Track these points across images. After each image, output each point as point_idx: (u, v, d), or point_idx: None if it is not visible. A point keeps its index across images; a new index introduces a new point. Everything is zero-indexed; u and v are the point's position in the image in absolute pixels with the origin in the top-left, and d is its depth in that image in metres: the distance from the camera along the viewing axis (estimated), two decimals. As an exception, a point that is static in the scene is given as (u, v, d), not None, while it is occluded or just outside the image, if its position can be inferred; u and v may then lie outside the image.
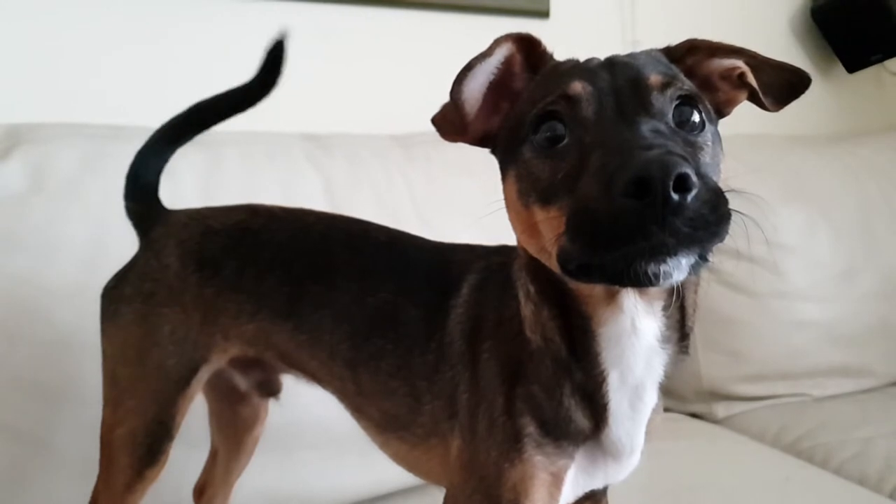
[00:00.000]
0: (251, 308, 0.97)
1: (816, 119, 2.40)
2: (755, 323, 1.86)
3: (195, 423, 1.08)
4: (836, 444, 1.61)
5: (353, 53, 1.82)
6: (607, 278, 0.61)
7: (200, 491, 1.22)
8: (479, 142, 0.77)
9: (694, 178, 0.53)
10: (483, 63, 0.71)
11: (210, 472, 1.22)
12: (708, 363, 1.86)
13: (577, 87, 0.65)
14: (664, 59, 0.72)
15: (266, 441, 1.23)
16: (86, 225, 1.27)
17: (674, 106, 0.65)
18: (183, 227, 1.02)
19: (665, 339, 0.74)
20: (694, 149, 0.64)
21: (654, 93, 0.64)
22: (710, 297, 1.86)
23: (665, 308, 0.73)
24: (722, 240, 0.58)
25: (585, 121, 0.64)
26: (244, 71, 1.71)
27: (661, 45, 0.77)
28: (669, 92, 0.65)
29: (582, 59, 0.74)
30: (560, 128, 0.65)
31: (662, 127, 0.62)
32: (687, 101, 0.66)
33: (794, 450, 1.65)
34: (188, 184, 1.39)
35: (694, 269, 0.58)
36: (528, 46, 0.74)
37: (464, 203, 1.52)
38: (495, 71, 0.73)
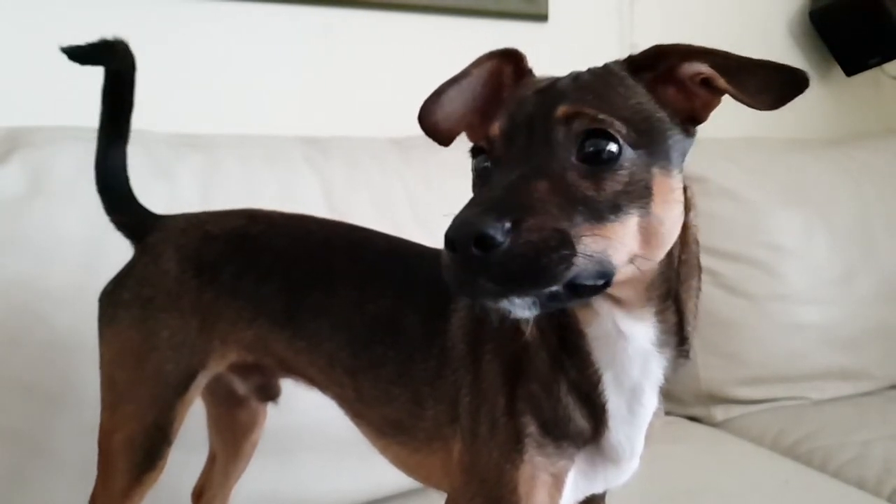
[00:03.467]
0: (249, 314, 0.97)
1: (814, 122, 2.40)
2: (753, 326, 1.86)
3: (193, 426, 1.08)
4: (835, 447, 1.61)
5: (352, 56, 1.83)
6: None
7: (199, 494, 1.22)
8: None
9: (499, 238, 0.57)
10: (458, 84, 0.76)
11: (208, 475, 1.21)
12: (706, 366, 1.86)
13: (496, 128, 0.70)
14: (613, 78, 0.71)
15: (265, 444, 1.23)
16: (84, 227, 1.26)
17: (580, 140, 0.65)
18: (181, 233, 1.02)
19: (662, 344, 0.75)
20: (595, 181, 0.64)
21: (557, 126, 0.65)
22: (709, 299, 1.84)
23: (658, 314, 0.74)
24: (550, 285, 0.60)
25: (496, 159, 0.69)
26: (243, 73, 1.72)
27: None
28: (575, 125, 0.65)
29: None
30: (485, 160, 0.71)
31: (555, 164, 0.64)
32: (596, 133, 0.65)
33: (793, 453, 1.65)
34: (187, 187, 1.39)
35: (546, 305, 0.62)
36: (514, 60, 0.77)
37: (461, 206, 1.52)
38: (481, 88, 0.77)
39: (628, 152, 0.65)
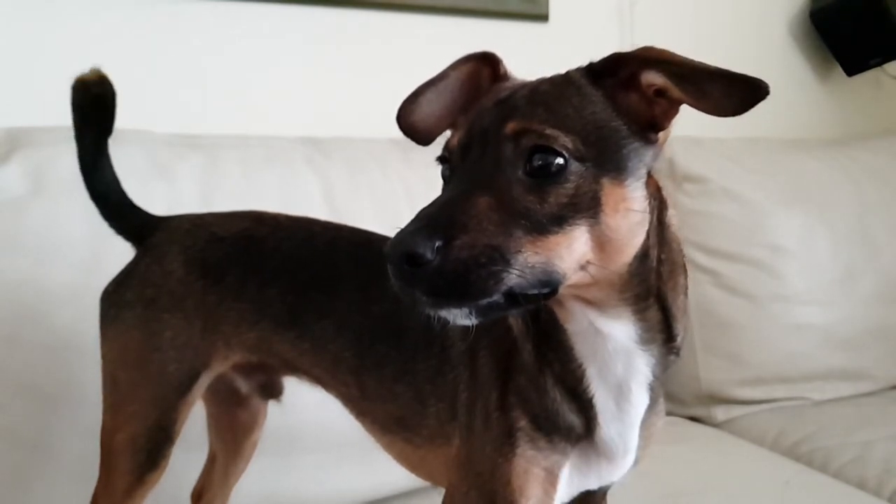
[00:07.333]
0: (252, 317, 0.97)
1: (815, 122, 2.40)
2: (754, 326, 1.86)
3: (193, 425, 1.08)
4: (836, 448, 1.61)
5: (353, 57, 1.83)
6: None
7: (198, 495, 1.22)
8: None
9: (428, 256, 0.60)
10: (436, 86, 0.79)
11: (208, 475, 1.22)
12: (707, 367, 1.86)
13: (454, 139, 0.73)
14: (570, 88, 0.71)
15: (265, 444, 1.23)
16: (84, 227, 1.26)
17: (527, 155, 0.66)
18: (186, 234, 1.02)
19: (646, 341, 0.76)
20: (540, 195, 0.65)
21: (506, 143, 0.67)
22: (709, 300, 1.86)
23: (637, 313, 0.75)
24: (481, 298, 0.63)
25: (453, 170, 0.73)
26: (243, 73, 1.72)
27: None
28: (523, 141, 0.67)
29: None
30: (448, 169, 0.74)
31: (502, 179, 0.66)
32: (543, 149, 0.66)
33: (794, 453, 1.65)
34: (187, 187, 1.39)
35: (485, 314, 0.65)
36: (491, 63, 0.79)
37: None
38: (459, 90, 0.79)
39: (574, 165, 0.66)
